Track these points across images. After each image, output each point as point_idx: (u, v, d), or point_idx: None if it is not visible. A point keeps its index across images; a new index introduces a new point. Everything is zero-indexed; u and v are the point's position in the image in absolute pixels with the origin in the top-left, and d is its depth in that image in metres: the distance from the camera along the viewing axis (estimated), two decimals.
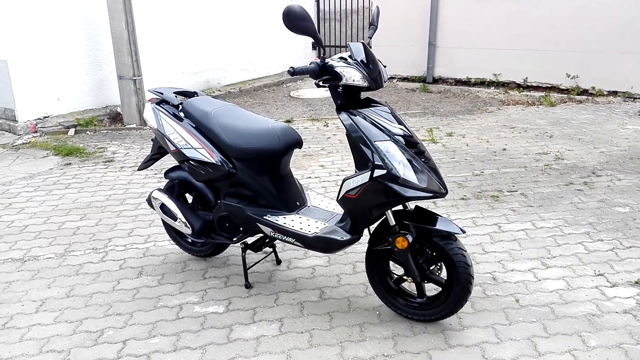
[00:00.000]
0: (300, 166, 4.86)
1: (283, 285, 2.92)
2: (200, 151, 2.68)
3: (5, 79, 5.86)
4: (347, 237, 2.44)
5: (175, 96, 2.88)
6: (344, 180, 2.37)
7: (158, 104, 2.90)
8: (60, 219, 3.82)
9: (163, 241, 3.42)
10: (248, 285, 2.88)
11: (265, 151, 2.60)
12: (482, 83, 8.25)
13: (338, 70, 2.26)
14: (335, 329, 2.53)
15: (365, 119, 2.31)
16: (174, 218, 2.87)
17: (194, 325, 2.58)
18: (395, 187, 2.24)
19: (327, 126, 6.31)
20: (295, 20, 2.11)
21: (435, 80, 8.67)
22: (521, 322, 2.56)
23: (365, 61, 2.29)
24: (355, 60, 2.28)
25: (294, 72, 2.24)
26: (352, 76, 2.26)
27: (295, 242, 2.56)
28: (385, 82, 2.42)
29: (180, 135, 2.74)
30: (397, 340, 2.44)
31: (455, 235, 2.37)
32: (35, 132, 6.09)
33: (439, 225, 2.35)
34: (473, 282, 2.39)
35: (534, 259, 3.15)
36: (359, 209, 2.38)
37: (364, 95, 2.49)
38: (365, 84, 2.27)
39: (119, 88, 6.39)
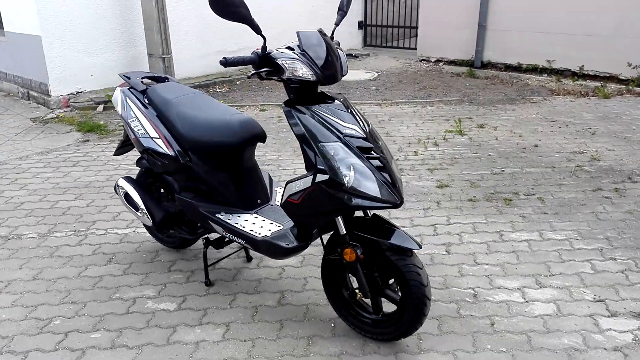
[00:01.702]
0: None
1: (245, 285, 2.78)
2: (157, 141, 2.56)
3: (39, 55, 6.01)
4: (293, 244, 2.25)
5: (142, 81, 2.76)
6: (286, 183, 2.16)
7: (130, 88, 2.80)
8: (56, 197, 3.86)
9: (143, 228, 3.36)
10: (208, 283, 2.76)
11: (220, 144, 2.43)
12: (533, 69, 7.64)
13: (279, 62, 2.05)
14: (281, 340, 2.36)
15: (314, 117, 2.08)
16: (137, 208, 2.78)
17: (140, 322, 2.50)
18: (339, 194, 2.02)
19: None
20: (224, 7, 1.90)
21: (484, 65, 8.12)
22: (488, 350, 2.28)
23: (316, 52, 2.05)
24: (303, 50, 2.05)
25: (227, 63, 2.04)
26: (297, 69, 2.04)
27: (245, 244, 2.40)
28: (343, 75, 2.17)
29: (141, 123, 2.62)
30: (342, 359, 2.24)
31: (412, 250, 2.12)
32: (68, 106, 6.24)
33: (394, 239, 2.10)
34: (429, 303, 2.14)
35: (529, 275, 2.82)
36: (302, 215, 2.18)
37: (321, 89, 2.25)
38: (312, 78, 2.04)
39: (148, 66, 6.41)
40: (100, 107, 6.21)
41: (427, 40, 8.73)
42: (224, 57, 2.05)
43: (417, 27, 9.02)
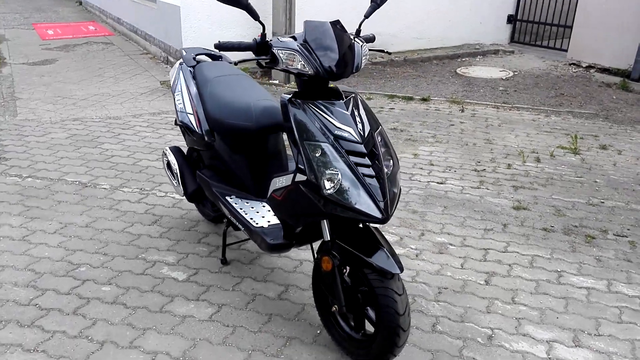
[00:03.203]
0: None
1: (257, 271, 2.77)
2: (190, 116, 2.63)
3: (177, 23, 6.54)
4: (277, 241, 2.17)
5: (194, 58, 2.84)
6: (272, 177, 2.08)
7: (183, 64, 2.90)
8: (142, 155, 4.20)
9: None
10: (223, 261, 2.80)
11: (238, 128, 2.42)
12: None
13: (274, 51, 1.95)
14: (260, 334, 2.32)
15: (307, 113, 1.96)
16: (174, 177, 2.91)
17: (148, 285, 2.63)
18: (317, 198, 1.89)
19: (463, 111, 5.63)
20: None
21: None
22: None
23: (321, 45, 1.91)
24: (305, 42, 1.93)
25: (220, 46, 1.99)
26: (293, 61, 1.92)
27: (244, 231, 2.38)
28: (354, 71, 2.00)
29: (182, 98, 2.72)
30: None
31: (393, 273, 1.92)
32: None
33: (374, 257, 1.92)
34: (403, 334, 1.94)
35: (568, 329, 2.40)
36: (284, 213, 2.08)
37: (337, 85, 2.12)
38: (310, 72, 1.91)
39: None
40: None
41: (581, 42, 7.76)
42: (218, 41, 2.01)
43: (572, 27, 8.06)
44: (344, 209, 1.86)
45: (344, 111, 1.96)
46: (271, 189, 2.09)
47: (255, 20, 1.94)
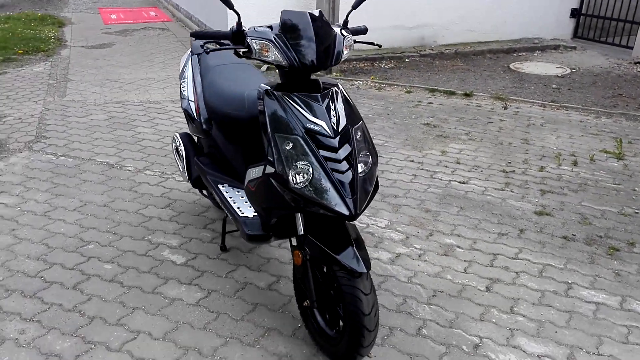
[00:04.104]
0: (420, 147, 4.35)
1: (253, 260, 2.79)
2: (191, 104, 2.67)
3: (224, 11, 6.65)
4: (254, 232, 2.18)
5: (201, 45, 2.87)
6: (247, 168, 2.08)
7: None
8: (169, 140, 4.32)
9: None
10: (223, 248, 2.84)
11: (231, 117, 2.43)
12: None
13: (248, 40, 1.93)
14: (242, 322, 2.34)
15: (281, 105, 1.94)
16: (181, 162, 2.97)
17: (147, 266, 2.71)
18: (285, 191, 1.88)
19: (506, 108, 5.39)
20: None
21: None
22: None
23: (297, 35, 1.88)
24: (280, 32, 1.90)
25: (197, 35, 1.99)
26: (267, 51, 1.90)
27: (233, 220, 2.40)
28: (334, 63, 1.96)
29: (187, 85, 2.77)
30: None
31: (361, 273, 1.88)
32: None
33: (342, 255, 1.89)
34: (368, 335, 1.90)
35: (565, 345, 2.27)
36: (257, 204, 2.08)
37: (318, 77, 2.08)
38: (284, 63, 1.89)
39: None
40: (264, 67, 6.64)
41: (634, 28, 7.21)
42: (194, 30, 2.02)
43: None
44: (311, 203, 1.83)
45: (319, 104, 1.92)
46: (246, 179, 2.09)
47: (230, 9, 1.93)
